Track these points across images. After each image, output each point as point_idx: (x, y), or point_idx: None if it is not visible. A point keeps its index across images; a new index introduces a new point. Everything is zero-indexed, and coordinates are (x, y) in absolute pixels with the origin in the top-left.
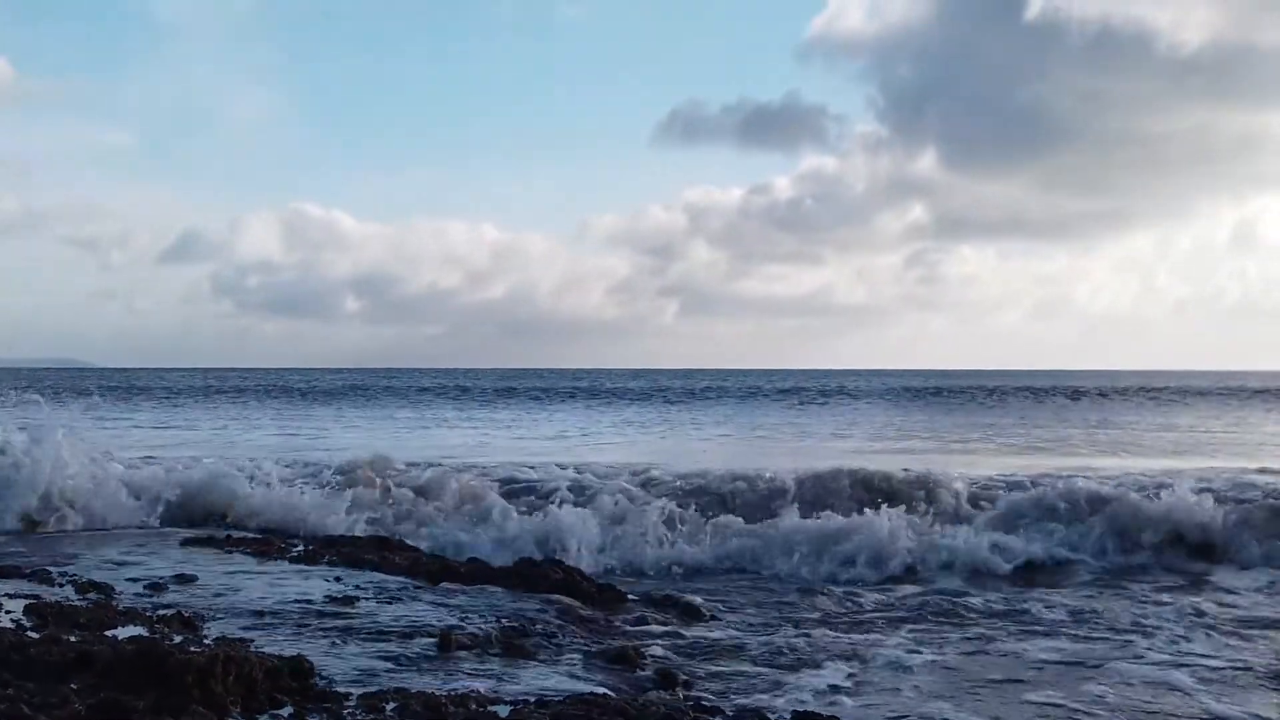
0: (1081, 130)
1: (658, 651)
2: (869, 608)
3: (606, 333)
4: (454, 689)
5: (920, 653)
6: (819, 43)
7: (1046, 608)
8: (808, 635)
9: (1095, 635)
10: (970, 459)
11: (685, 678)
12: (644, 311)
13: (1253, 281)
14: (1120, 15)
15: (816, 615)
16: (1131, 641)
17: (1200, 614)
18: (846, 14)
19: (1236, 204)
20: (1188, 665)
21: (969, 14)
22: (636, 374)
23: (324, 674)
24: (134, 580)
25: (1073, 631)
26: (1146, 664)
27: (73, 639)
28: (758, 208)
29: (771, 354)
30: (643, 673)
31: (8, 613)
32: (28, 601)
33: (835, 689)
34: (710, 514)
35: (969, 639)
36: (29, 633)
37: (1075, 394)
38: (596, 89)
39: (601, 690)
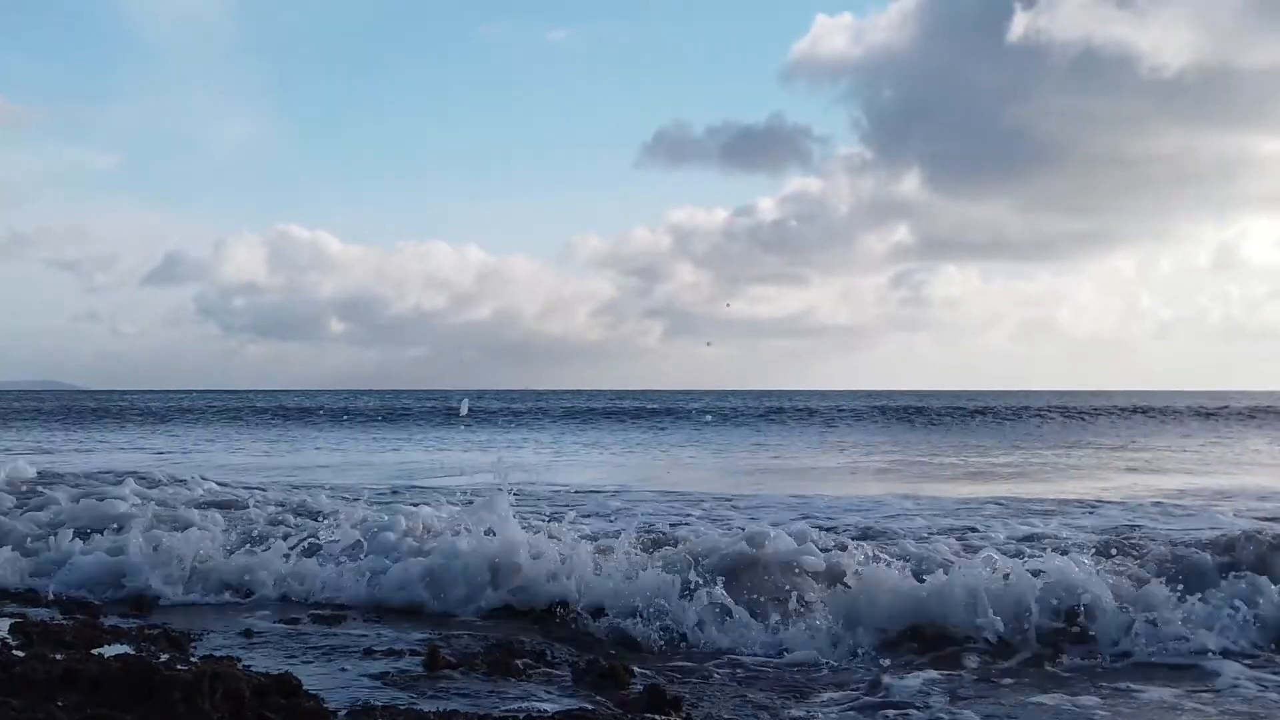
0: (1064, 152)
1: (648, 670)
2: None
3: (592, 354)
4: (442, 708)
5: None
6: (802, 65)
7: None
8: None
9: None
10: (912, 486)
11: (674, 696)
12: (629, 333)
13: (1235, 302)
14: (1102, 37)
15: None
16: None
17: None
18: (829, 36)
19: (1219, 225)
20: None
21: (951, 36)
22: (620, 394)
23: (312, 692)
24: (120, 601)
25: None
26: None
27: (59, 657)
28: (742, 229)
29: (757, 375)
30: (632, 692)
31: None
32: (13, 620)
33: (834, 708)
34: None
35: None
36: (14, 651)
37: (1050, 414)
38: (581, 111)
39: (590, 707)
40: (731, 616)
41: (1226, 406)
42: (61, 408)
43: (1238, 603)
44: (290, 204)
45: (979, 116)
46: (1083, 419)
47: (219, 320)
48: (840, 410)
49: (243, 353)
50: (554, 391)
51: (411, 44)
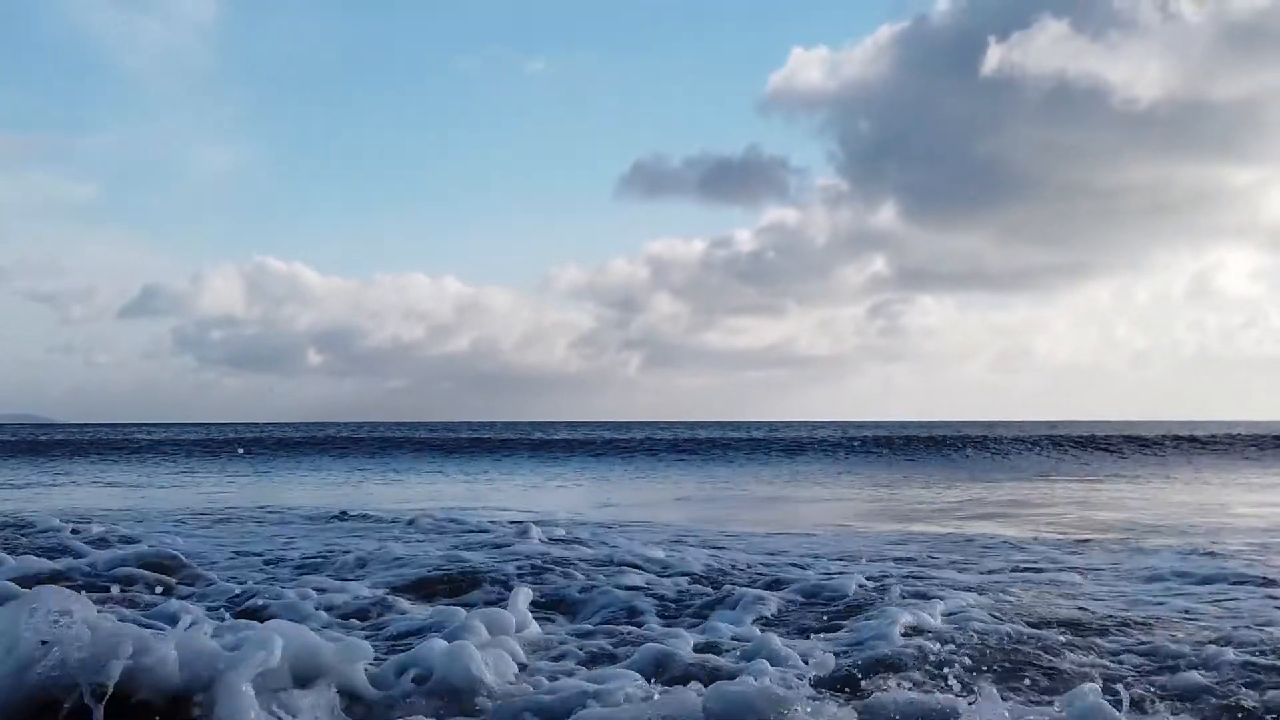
0: (1039, 183)
1: None
2: None
3: (571, 385)
4: None
5: None
6: (779, 97)
7: None
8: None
9: None
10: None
11: None
12: (608, 364)
13: (1210, 332)
14: (1075, 69)
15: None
16: None
17: None
18: (805, 69)
19: (1193, 256)
20: None
21: (926, 69)
22: (595, 426)
23: None
24: None
25: None
26: None
27: None
28: (720, 260)
29: (735, 406)
30: None
31: None
32: None
33: None
34: None
35: None
36: None
37: (1026, 444)
38: (559, 143)
39: None
40: None
41: (1214, 436)
42: (38, 440)
43: None
44: (268, 236)
45: (954, 148)
46: (1049, 450)
47: (196, 353)
48: (813, 440)
49: (220, 385)
50: (533, 423)
51: (389, 75)
